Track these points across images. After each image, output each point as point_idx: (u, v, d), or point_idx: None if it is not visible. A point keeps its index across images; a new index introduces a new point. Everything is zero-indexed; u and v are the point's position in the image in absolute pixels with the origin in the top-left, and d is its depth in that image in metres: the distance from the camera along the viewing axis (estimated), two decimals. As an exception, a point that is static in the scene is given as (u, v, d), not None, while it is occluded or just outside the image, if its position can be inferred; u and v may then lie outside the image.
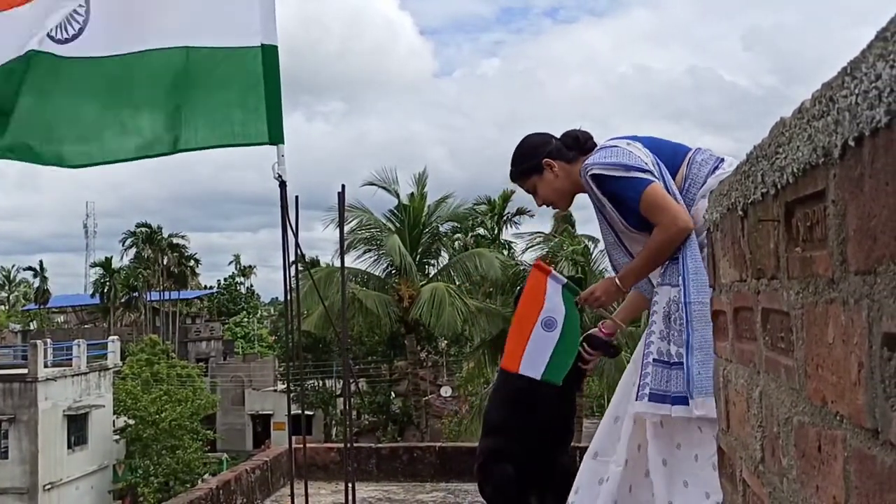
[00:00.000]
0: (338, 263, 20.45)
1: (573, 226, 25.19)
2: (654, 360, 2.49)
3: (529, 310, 2.69)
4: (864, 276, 0.78)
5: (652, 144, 2.67)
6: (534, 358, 2.66)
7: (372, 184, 20.80)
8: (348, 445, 3.25)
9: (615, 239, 2.70)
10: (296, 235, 3.07)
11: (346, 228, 19.08)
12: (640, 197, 2.52)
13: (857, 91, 0.76)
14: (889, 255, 0.72)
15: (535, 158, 2.79)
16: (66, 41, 2.89)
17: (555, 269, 2.90)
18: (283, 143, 3.04)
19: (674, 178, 2.61)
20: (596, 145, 2.76)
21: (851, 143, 0.78)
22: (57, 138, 2.94)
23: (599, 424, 2.77)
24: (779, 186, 1.08)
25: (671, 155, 2.67)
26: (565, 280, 2.77)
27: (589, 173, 2.60)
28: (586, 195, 2.74)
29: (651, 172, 2.54)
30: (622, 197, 2.58)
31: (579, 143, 2.78)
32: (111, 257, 50.51)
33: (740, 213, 1.38)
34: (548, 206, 2.89)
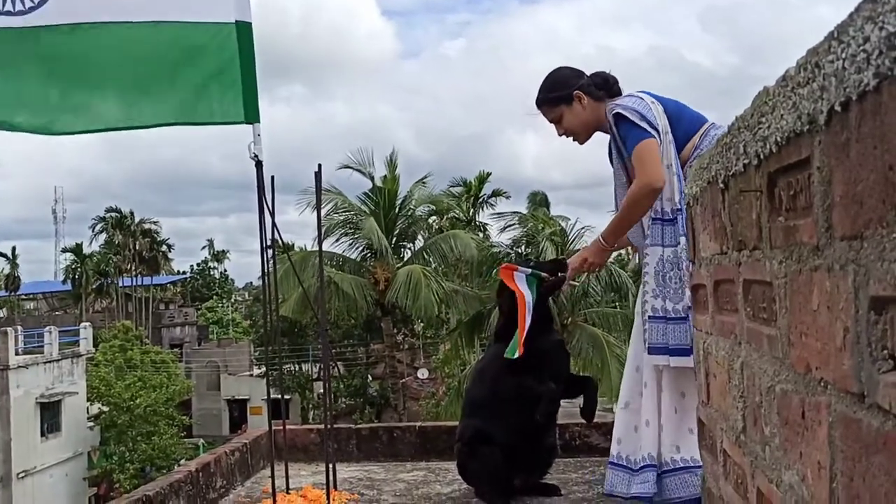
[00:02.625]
0: (312, 247, 20.37)
1: (548, 207, 25.28)
2: (649, 317, 2.68)
3: (522, 304, 2.86)
4: (850, 242, 0.79)
5: (675, 108, 2.83)
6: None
7: (347, 167, 20.69)
8: (328, 426, 3.24)
9: (627, 180, 2.83)
10: (272, 216, 3.03)
11: (321, 212, 18.92)
12: (634, 146, 2.71)
13: (844, 55, 0.75)
14: (876, 219, 0.72)
15: (567, 88, 2.93)
16: (24, 12, 2.81)
17: (533, 254, 3.09)
18: (258, 121, 3.00)
19: (685, 145, 2.77)
20: (622, 91, 2.93)
21: (838, 109, 0.78)
22: (9, 106, 2.84)
23: (624, 375, 2.94)
24: (761, 157, 1.08)
25: (689, 122, 2.83)
26: (529, 270, 2.94)
27: (613, 112, 2.78)
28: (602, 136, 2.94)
29: (658, 132, 2.70)
30: (625, 142, 2.76)
31: (608, 85, 2.95)
32: (81, 243, 49.82)
33: (721, 185, 1.38)
34: (568, 136, 3.01)
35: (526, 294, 2.87)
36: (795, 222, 0.97)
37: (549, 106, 2.97)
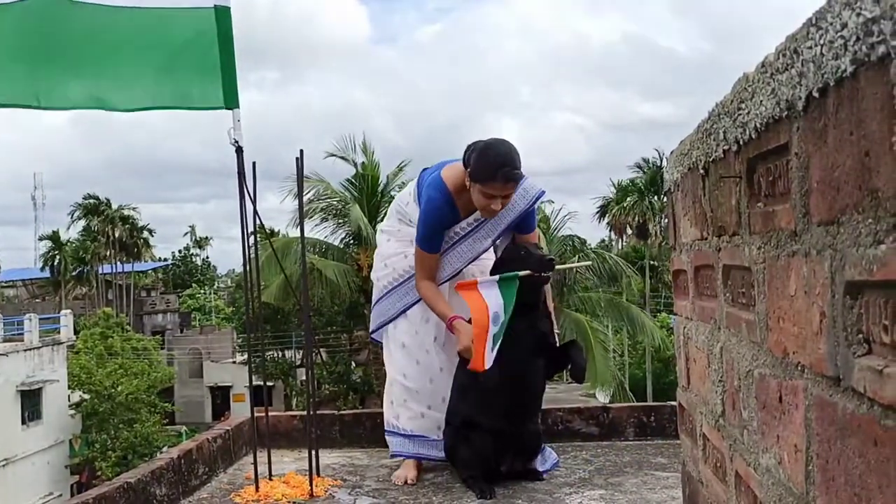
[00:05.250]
0: (293, 233, 20.29)
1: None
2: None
3: (481, 316, 2.83)
4: (826, 227, 0.79)
5: None
6: (490, 352, 2.83)
7: (332, 154, 20.59)
8: (311, 412, 3.24)
9: (491, 243, 3.11)
10: (254, 203, 3.00)
11: (303, 199, 18.80)
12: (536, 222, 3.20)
13: (822, 41, 0.76)
14: (853, 205, 0.72)
15: None
16: None
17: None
18: (238, 107, 2.97)
19: None
20: None
21: (816, 95, 0.79)
22: None
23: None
24: (741, 142, 1.09)
25: None
26: (497, 277, 2.88)
27: (541, 190, 3.07)
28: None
29: None
30: (531, 217, 3.12)
31: None
32: (58, 230, 49.29)
33: (701, 171, 1.39)
34: (496, 212, 2.99)
35: (491, 307, 2.81)
36: (774, 208, 0.98)
37: (517, 182, 2.92)
